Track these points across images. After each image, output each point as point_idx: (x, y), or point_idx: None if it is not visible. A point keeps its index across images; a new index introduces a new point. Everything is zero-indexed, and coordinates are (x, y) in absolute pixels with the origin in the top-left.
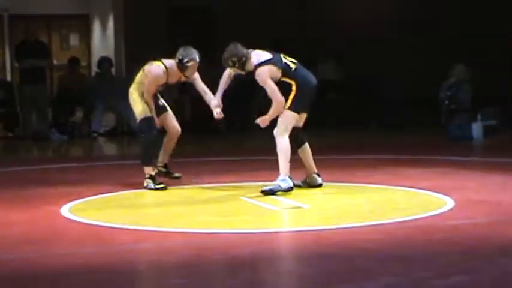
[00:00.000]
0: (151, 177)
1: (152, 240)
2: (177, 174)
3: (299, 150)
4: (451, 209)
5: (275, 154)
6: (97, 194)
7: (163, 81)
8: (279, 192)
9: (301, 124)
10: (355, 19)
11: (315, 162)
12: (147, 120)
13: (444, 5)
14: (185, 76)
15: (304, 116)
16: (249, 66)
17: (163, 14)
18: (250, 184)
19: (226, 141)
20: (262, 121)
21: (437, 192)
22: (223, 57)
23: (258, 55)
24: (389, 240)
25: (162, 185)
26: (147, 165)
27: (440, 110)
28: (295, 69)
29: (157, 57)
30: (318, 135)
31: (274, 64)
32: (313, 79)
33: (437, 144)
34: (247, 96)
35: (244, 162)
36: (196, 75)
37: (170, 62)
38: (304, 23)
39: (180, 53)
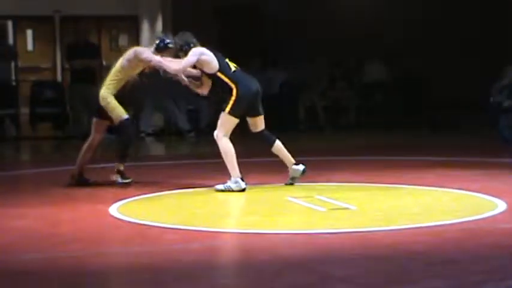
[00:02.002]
0: (119, 172)
1: (200, 240)
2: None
3: (272, 150)
4: (502, 212)
5: (321, 155)
6: (145, 194)
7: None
8: (326, 194)
9: (260, 128)
10: (403, 19)
11: (370, 162)
12: (128, 121)
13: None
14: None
15: (259, 119)
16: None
17: (211, 14)
18: (297, 185)
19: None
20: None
21: (487, 194)
22: (175, 41)
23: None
24: (438, 243)
25: (129, 180)
26: (121, 162)
27: (491, 111)
28: (234, 71)
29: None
30: (366, 136)
31: (212, 55)
32: (254, 85)
33: (488, 146)
34: (295, 97)
35: None
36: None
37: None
38: (343, 23)
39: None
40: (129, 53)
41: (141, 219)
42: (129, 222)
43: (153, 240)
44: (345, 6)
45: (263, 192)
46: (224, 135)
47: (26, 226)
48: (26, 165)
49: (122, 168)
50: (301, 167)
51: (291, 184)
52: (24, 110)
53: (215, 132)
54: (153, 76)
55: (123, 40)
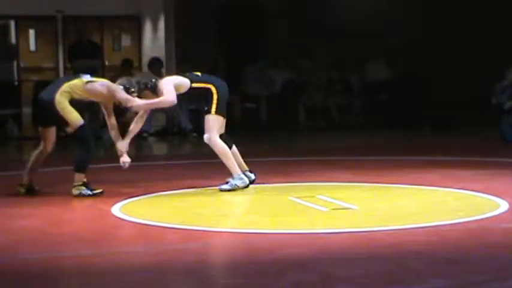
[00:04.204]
0: (84, 184)
1: (202, 240)
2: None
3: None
4: (504, 212)
5: (323, 155)
6: (147, 194)
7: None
8: (328, 193)
9: (223, 130)
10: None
11: (371, 162)
12: (87, 127)
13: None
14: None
15: (224, 121)
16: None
17: (214, 14)
18: (299, 185)
19: (275, 142)
20: (134, 105)
21: (489, 194)
22: (138, 82)
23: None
24: (440, 243)
25: (99, 190)
26: (82, 172)
27: (493, 111)
28: (203, 75)
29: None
30: (367, 136)
31: (180, 75)
32: (225, 85)
33: (489, 145)
34: (296, 97)
35: (293, 162)
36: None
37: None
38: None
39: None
40: (101, 83)
41: (143, 219)
42: (132, 222)
43: (156, 240)
44: (345, 6)
45: (265, 192)
46: (215, 136)
47: (29, 226)
48: None
49: (85, 179)
50: (253, 176)
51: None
52: (27, 110)
53: (206, 136)
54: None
55: (125, 40)
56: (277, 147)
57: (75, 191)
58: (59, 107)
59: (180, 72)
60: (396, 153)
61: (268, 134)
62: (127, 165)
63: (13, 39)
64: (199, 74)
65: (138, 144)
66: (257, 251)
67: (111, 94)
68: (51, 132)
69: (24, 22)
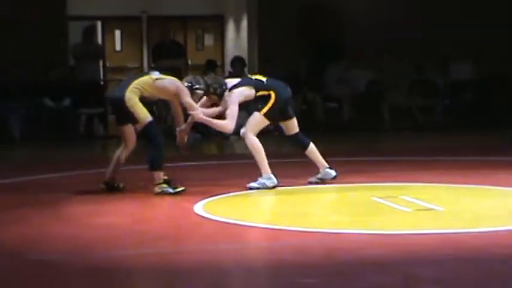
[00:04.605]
0: (166, 182)
1: (284, 239)
2: (122, 185)
3: (306, 152)
4: None
5: (406, 155)
6: (229, 192)
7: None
8: (411, 194)
9: (294, 130)
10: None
11: (455, 163)
12: (155, 124)
13: None
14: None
15: (291, 122)
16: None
17: (296, 13)
18: (381, 185)
19: (357, 142)
20: (194, 115)
21: None
22: (206, 83)
23: (229, 82)
24: None
25: (181, 188)
26: (160, 169)
27: None
28: (267, 81)
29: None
30: (452, 136)
31: (247, 85)
32: (287, 90)
33: None
34: (379, 97)
35: (376, 162)
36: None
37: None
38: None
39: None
40: (170, 81)
41: (226, 218)
42: (214, 220)
43: (237, 239)
44: (428, 7)
45: (347, 191)
46: (251, 133)
47: (113, 223)
48: None
49: (165, 177)
50: (333, 173)
51: (316, 183)
52: None
53: (242, 130)
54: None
55: (208, 40)
56: (360, 147)
57: (157, 189)
58: (128, 104)
59: (259, 72)
60: (481, 153)
61: (350, 134)
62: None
63: (99, 40)
64: (264, 80)
65: (220, 143)
66: (338, 251)
67: (178, 94)
68: (130, 130)
69: (110, 23)
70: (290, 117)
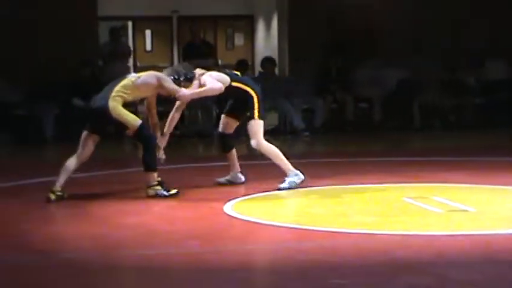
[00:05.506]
0: (160, 184)
1: (313, 239)
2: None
3: (227, 154)
4: None
5: (438, 155)
6: (259, 192)
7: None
8: (443, 195)
9: (231, 130)
10: None
11: (488, 163)
12: (145, 125)
13: None
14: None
15: (235, 122)
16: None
17: (327, 13)
18: (412, 185)
19: (387, 141)
20: (182, 96)
21: None
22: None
23: (200, 70)
24: None
25: (175, 191)
26: (153, 171)
27: None
28: (242, 76)
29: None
30: (485, 136)
31: (218, 70)
32: (259, 88)
33: None
34: (410, 96)
35: (407, 162)
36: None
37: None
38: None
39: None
40: (149, 75)
41: (255, 218)
42: (244, 220)
43: (267, 239)
44: (461, 5)
45: (378, 192)
46: (262, 140)
47: (143, 222)
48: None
49: (159, 178)
50: (243, 178)
51: (220, 183)
52: (141, 109)
53: (253, 142)
54: (267, 76)
55: (238, 39)
56: (391, 147)
57: (151, 192)
58: (114, 113)
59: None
60: None
61: (381, 134)
62: (162, 161)
63: (130, 40)
64: (238, 73)
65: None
66: (369, 252)
67: (160, 84)
68: (93, 142)
69: (140, 23)
70: (241, 117)
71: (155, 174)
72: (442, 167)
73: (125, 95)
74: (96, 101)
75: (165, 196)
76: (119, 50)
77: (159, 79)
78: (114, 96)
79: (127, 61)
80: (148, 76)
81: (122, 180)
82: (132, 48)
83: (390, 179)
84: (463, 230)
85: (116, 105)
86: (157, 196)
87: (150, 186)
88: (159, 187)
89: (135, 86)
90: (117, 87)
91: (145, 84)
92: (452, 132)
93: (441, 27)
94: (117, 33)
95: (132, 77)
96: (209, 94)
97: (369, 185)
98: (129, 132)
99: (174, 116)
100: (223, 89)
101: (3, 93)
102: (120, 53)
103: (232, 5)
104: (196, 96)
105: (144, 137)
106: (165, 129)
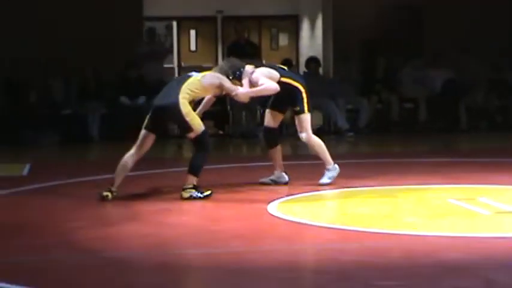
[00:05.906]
0: (194, 187)
1: (357, 240)
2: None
3: (270, 151)
4: None
5: (484, 156)
6: (304, 193)
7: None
8: (490, 196)
9: (276, 125)
10: None
11: None
12: (207, 133)
13: None
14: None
15: (282, 116)
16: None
17: (374, 13)
18: (459, 186)
19: (433, 142)
20: (239, 94)
21: None
22: (223, 68)
23: (250, 67)
24: None
25: (208, 192)
26: (197, 175)
27: None
28: (290, 71)
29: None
30: None
31: (268, 67)
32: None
33: None
34: (457, 97)
35: (453, 164)
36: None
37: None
38: None
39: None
40: (212, 75)
41: (299, 218)
42: (288, 220)
43: (311, 239)
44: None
45: (423, 193)
46: (311, 134)
47: (188, 222)
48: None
49: (195, 182)
50: (287, 178)
51: (264, 183)
52: None
53: (303, 135)
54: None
55: (283, 39)
56: (437, 148)
57: (185, 194)
58: (184, 111)
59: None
60: None
61: (427, 134)
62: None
63: (174, 40)
64: (286, 68)
65: (293, 144)
66: (414, 254)
67: (221, 84)
68: (151, 139)
69: (185, 23)
70: (285, 111)
71: (195, 179)
72: (488, 168)
73: (193, 93)
74: (161, 99)
75: (200, 198)
76: (154, 51)
77: (220, 80)
78: (184, 94)
79: (162, 62)
80: (211, 76)
81: (167, 180)
82: (172, 49)
83: (435, 180)
84: (511, 232)
85: (185, 104)
86: (191, 198)
87: (185, 189)
88: (193, 190)
89: (201, 84)
90: (185, 85)
91: (210, 84)
92: (498, 133)
93: (488, 27)
94: (154, 34)
95: (196, 75)
96: (265, 94)
97: (414, 186)
98: (191, 135)
99: (210, 98)
100: (278, 88)
101: (53, 93)
102: (155, 54)
103: (277, 5)
104: (252, 95)
105: (204, 143)
106: (200, 108)
